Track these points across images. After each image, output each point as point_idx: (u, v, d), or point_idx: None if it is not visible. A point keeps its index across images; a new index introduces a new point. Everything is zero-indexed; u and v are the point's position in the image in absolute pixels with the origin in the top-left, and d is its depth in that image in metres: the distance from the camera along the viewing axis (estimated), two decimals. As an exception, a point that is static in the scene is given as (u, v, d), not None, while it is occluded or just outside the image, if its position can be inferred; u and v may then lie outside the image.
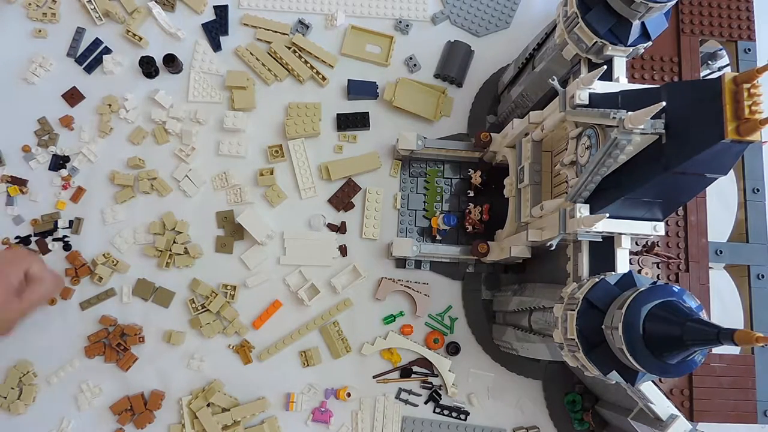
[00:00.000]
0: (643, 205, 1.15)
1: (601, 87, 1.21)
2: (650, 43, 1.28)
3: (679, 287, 0.98)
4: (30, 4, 1.82)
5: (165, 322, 1.71)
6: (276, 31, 1.86)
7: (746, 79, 0.92)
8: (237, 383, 1.69)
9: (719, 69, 1.78)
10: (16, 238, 1.72)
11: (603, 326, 1.03)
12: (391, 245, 1.67)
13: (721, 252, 1.54)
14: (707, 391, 1.42)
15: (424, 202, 1.78)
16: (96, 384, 1.67)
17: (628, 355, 0.95)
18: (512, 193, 1.53)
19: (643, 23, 1.24)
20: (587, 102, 1.20)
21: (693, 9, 1.61)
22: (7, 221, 1.73)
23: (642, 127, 1.01)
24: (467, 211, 1.72)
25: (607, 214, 1.14)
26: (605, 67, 1.25)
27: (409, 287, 1.73)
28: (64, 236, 1.73)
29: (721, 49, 1.71)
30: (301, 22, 1.86)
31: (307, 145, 1.79)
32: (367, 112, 1.82)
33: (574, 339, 1.06)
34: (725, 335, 0.84)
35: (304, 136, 1.78)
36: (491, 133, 1.63)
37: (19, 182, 1.74)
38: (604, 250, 1.25)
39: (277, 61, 1.84)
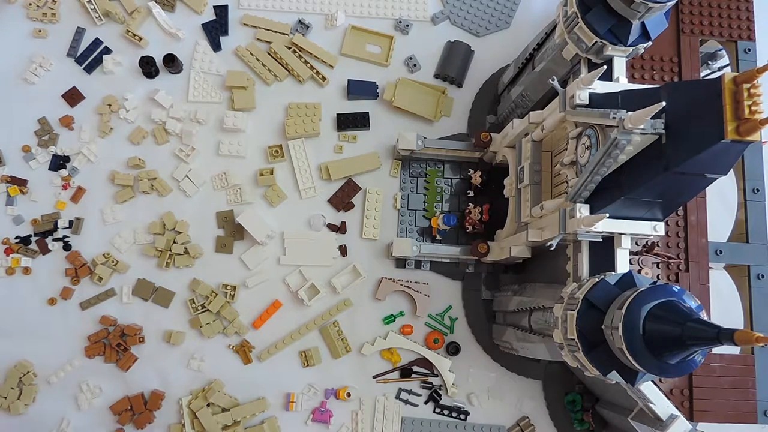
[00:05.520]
0: (643, 205, 1.15)
1: (601, 87, 1.21)
2: (650, 43, 1.28)
3: (679, 287, 0.98)
4: (30, 4, 1.82)
5: (165, 322, 1.71)
6: (276, 31, 1.86)
7: (746, 79, 0.92)
8: (237, 383, 1.69)
9: (719, 69, 1.78)
10: (16, 238, 1.72)
11: (603, 326, 1.03)
12: (391, 245, 1.67)
13: (721, 252, 1.54)
14: (707, 391, 1.42)
15: (424, 202, 1.78)
16: (96, 384, 1.67)
17: (628, 355, 0.95)
18: (512, 193, 1.53)
19: (643, 23, 1.24)
20: (587, 102, 1.20)
21: (693, 9, 1.61)
22: (7, 221, 1.73)
23: (642, 127, 1.01)
24: (467, 211, 1.72)
25: (607, 214, 1.14)
26: (605, 67, 1.25)
27: (409, 287, 1.73)
28: (64, 236, 1.73)
29: (721, 49, 1.71)
30: (301, 22, 1.86)
31: (307, 145, 1.79)
32: (367, 112, 1.82)
33: (574, 339, 1.06)
34: (725, 335, 0.84)
35: (304, 136, 1.78)
36: (491, 133, 1.63)
37: (19, 182, 1.74)
38: (604, 250, 1.25)
39: (277, 61, 1.84)
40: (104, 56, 1.81)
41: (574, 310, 1.07)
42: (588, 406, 1.65)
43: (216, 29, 1.86)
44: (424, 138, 1.69)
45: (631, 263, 1.32)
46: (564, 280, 1.35)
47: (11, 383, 1.63)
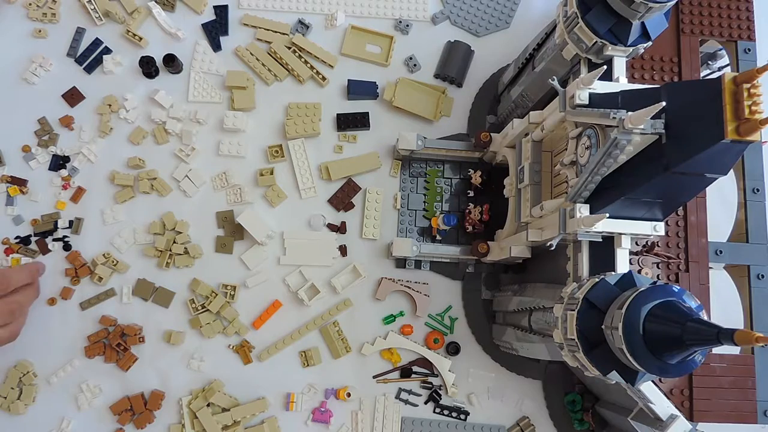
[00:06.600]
0: (643, 205, 1.15)
1: (601, 87, 1.21)
2: (650, 43, 1.28)
3: (679, 287, 0.98)
4: (30, 4, 1.82)
5: (165, 322, 1.71)
6: (276, 31, 1.86)
7: (746, 79, 0.92)
8: (237, 383, 1.69)
9: (719, 69, 1.78)
10: (16, 238, 1.72)
11: (603, 326, 1.03)
12: (391, 245, 1.67)
13: (721, 252, 1.54)
14: (707, 391, 1.42)
15: (424, 202, 1.78)
16: (96, 384, 1.67)
17: (628, 355, 0.95)
18: (512, 193, 1.53)
19: (642, 23, 1.24)
20: (587, 102, 1.20)
21: (693, 9, 1.61)
22: (7, 221, 1.73)
23: (642, 127, 1.01)
24: (467, 211, 1.72)
25: (607, 214, 1.14)
26: (605, 67, 1.25)
27: (409, 287, 1.73)
28: (64, 236, 1.73)
29: (721, 49, 1.71)
30: (301, 22, 1.86)
31: (307, 145, 1.79)
32: (367, 112, 1.82)
33: (574, 339, 1.06)
34: (725, 335, 0.84)
35: (304, 136, 1.78)
36: (491, 133, 1.63)
37: (19, 182, 1.74)
38: (604, 250, 1.25)
39: (277, 61, 1.84)
40: (104, 56, 1.81)
41: (574, 310, 1.07)
42: (588, 406, 1.65)
43: (216, 29, 1.86)
44: (424, 138, 1.69)
45: (631, 263, 1.32)
46: (564, 280, 1.35)
47: (11, 383, 1.63)
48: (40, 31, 1.82)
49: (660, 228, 1.19)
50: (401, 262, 1.75)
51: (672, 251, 1.48)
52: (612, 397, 1.54)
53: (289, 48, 1.84)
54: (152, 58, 1.79)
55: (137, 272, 1.72)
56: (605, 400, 1.61)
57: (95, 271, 1.69)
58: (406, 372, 1.72)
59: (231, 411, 1.64)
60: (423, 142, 1.68)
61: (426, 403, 1.71)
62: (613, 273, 1.11)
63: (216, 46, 1.85)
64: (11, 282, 1.50)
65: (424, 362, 1.72)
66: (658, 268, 1.47)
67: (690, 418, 1.40)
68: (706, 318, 0.92)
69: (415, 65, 1.87)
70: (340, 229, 1.77)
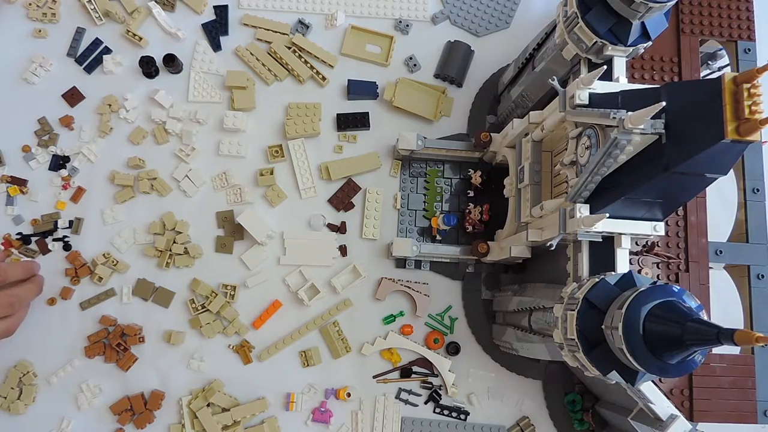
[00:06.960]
0: (643, 205, 1.15)
1: (601, 87, 1.21)
2: (650, 43, 1.28)
3: (679, 287, 0.98)
4: (30, 4, 1.82)
5: (165, 322, 1.71)
6: (276, 31, 1.86)
7: (746, 79, 0.92)
8: (237, 383, 1.69)
9: (719, 69, 1.78)
10: (18, 233, 1.71)
11: (603, 326, 1.03)
12: (391, 245, 1.67)
13: (721, 252, 1.54)
14: (707, 391, 1.42)
15: (424, 202, 1.78)
16: (96, 384, 1.67)
17: (628, 355, 0.95)
18: (512, 193, 1.53)
19: (643, 23, 1.24)
20: (587, 102, 1.20)
21: (693, 9, 1.61)
22: (7, 221, 1.73)
23: (642, 127, 1.01)
24: (467, 211, 1.72)
25: (607, 214, 1.14)
26: (605, 67, 1.25)
27: (409, 287, 1.73)
28: (64, 236, 1.73)
29: (721, 49, 1.71)
30: (301, 22, 1.86)
31: (307, 145, 1.79)
32: (367, 112, 1.82)
33: (574, 339, 1.06)
34: (725, 335, 0.84)
35: (304, 136, 1.78)
36: (491, 133, 1.63)
37: (19, 182, 1.74)
38: (604, 250, 1.25)
39: (277, 61, 1.84)
40: (104, 56, 1.81)
41: (574, 310, 1.07)
42: (588, 406, 1.65)
43: (216, 29, 1.86)
44: (424, 138, 1.69)
45: (631, 263, 1.32)
46: (564, 280, 1.35)
47: (11, 383, 1.63)
48: (40, 31, 1.82)
49: (660, 228, 1.19)
50: (401, 262, 1.75)
51: (672, 251, 1.48)
52: (612, 397, 1.54)
53: (289, 48, 1.84)
54: (152, 58, 1.79)
55: (137, 272, 1.72)
56: (605, 400, 1.61)
57: (95, 271, 1.69)
58: (406, 372, 1.72)
59: (231, 411, 1.64)
60: (423, 142, 1.68)
61: (426, 403, 1.71)
62: (613, 273, 1.11)
63: (216, 46, 1.85)
64: (7, 275, 1.50)
65: (424, 362, 1.72)
66: (658, 268, 1.47)
67: (690, 418, 1.40)
68: (706, 318, 0.92)
69: (415, 65, 1.87)
70: (340, 229, 1.77)
